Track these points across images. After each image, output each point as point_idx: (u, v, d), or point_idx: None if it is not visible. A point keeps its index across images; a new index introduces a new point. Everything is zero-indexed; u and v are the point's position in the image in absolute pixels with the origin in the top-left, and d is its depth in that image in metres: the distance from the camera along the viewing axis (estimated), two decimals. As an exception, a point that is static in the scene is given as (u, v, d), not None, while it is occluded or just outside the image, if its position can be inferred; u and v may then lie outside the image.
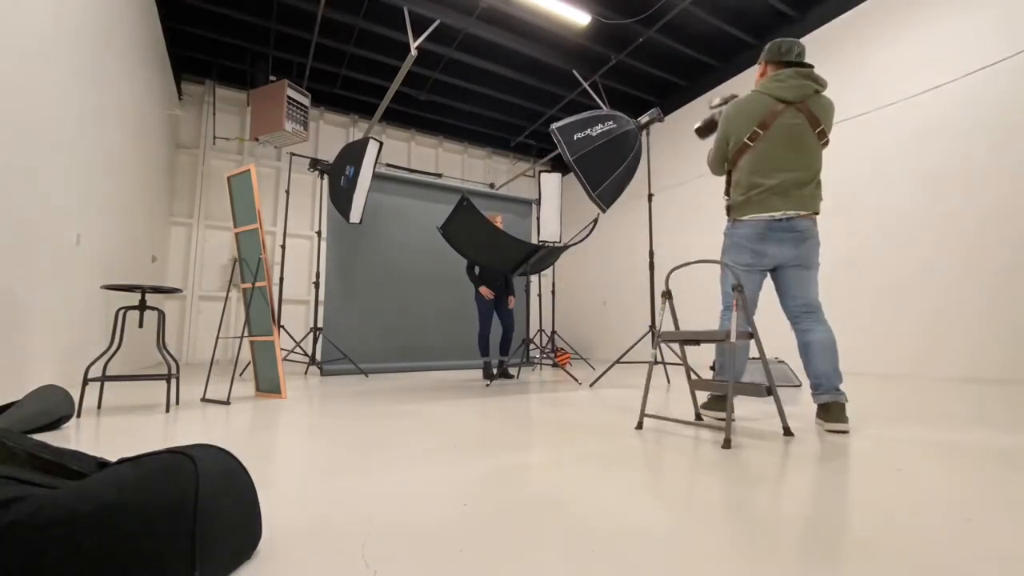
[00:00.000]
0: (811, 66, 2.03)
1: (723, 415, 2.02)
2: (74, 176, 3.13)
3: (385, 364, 5.14)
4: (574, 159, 3.36)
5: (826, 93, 2.03)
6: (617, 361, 3.88)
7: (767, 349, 5.07)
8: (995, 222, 3.90)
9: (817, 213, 2.03)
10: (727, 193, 2.17)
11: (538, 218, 5.89)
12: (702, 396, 2.56)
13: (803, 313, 2.04)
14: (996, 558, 0.77)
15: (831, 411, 1.86)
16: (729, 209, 2.15)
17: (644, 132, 3.76)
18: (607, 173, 3.46)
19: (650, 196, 4.16)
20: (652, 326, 3.87)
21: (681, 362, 2.22)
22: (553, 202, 5.87)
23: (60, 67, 2.82)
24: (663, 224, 7.21)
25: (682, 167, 7.05)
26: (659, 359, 4.06)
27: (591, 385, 3.60)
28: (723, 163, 2.20)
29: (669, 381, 3.84)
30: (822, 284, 2.17)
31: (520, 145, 9.29)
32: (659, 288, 6.75)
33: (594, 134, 3.42)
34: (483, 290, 4.15)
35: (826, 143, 2.03)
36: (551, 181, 5.88)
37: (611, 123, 3.47)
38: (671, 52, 6.22)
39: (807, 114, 1.98)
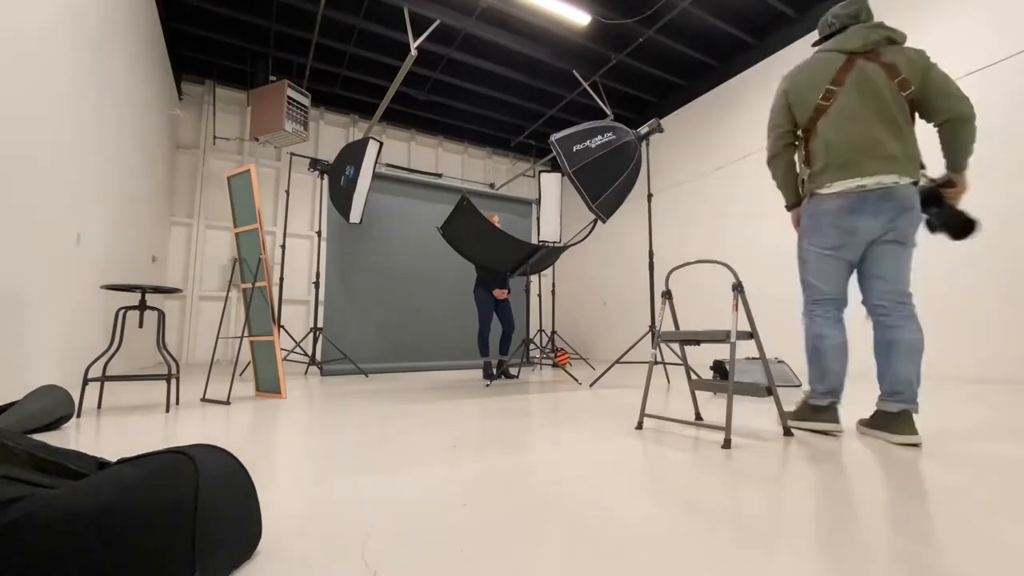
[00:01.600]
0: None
1: (818, 426, 1.80)
2: (74, 176, 3.13)
3: (385, 364, 5.14)
4: (573, 171, 3.36)
5: (904, 42, 1.79)
6: (617, 361, 3.88)
7: (767, 349, 5.08)
8: (995, 222, 3.90)
9: (916, 181, 1.72)
10: (807, 163, 1.85)
11: (538, 218, 5.89)
12: (788, 405, 2.16)
13: (893, 303, 1.71)
14: (996, 558, 0.77)
15: (900, 421, 1.62)
16: (803, 184, 1.88)
17: (643, 142, 3.76)
18: (606, 184, 3.45)
19: (649, 196, 4.16)
20: (652, 326, 3.87)
21: (681, 362, 2.22)
22: (553, 202, 5.87)
23: (60, 67, 2.82)
24: (663, 224, 7.21)
25: (681, 168, 7.06)
26: (659, 359, 4.06)
27: (591, 385, 3.60)
28: (783, 134, 1.89)
29: (669, 381, 3.84)
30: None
31: (520, 145, 9.30)
32: (659, 288, 6.76)
33: (593, 145, 3.41)
34: (496, 292, 4.17)
35: (912, 95, 1.71)
36: (551, 181, 5.89)
37: (610, 134, 3.46)
38: (671, 52, 6.22)
39: (882, 65, 1.72)
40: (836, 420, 1.78)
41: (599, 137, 3.44)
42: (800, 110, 1.84)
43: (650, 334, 3.82)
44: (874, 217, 1.70)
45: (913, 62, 1.73)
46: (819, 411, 1.81)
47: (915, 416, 1.64)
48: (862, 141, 1.71)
